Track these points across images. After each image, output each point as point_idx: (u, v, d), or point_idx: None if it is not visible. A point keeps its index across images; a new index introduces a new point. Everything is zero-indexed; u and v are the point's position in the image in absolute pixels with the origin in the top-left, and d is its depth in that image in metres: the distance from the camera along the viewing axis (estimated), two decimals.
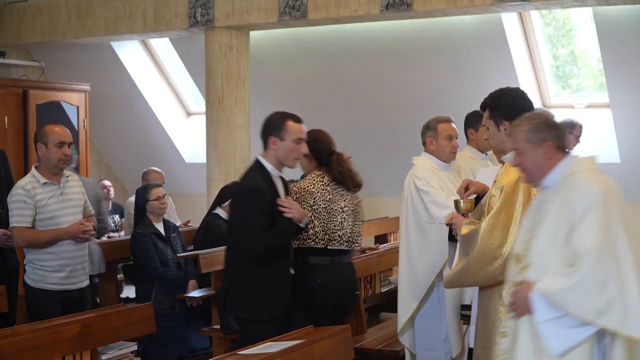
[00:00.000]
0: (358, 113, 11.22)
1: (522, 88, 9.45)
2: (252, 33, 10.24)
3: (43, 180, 6.30)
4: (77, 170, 9.23)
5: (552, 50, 10.55)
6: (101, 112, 12.25)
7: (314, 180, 6.27)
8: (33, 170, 6.37)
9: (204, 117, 10.37)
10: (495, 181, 4.45)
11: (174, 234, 8.18)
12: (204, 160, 10.43)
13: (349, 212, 6.33)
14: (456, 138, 6.64)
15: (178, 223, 9.27)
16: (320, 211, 6.16)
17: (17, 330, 4.91)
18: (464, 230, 4.48)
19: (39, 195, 6.26)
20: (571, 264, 3.82)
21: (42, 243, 6.25)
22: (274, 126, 5.76)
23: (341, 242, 6.24)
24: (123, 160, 13.62)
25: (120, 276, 8.99)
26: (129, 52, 12.36)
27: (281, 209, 5.58)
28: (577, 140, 8.98)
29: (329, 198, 6.23)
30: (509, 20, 9.67)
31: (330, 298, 6.22)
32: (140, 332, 5.68)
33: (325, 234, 6.17)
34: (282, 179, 5.83)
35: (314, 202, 6.16)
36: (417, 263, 6.42)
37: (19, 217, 6.23)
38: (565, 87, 10.71)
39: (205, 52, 10.06)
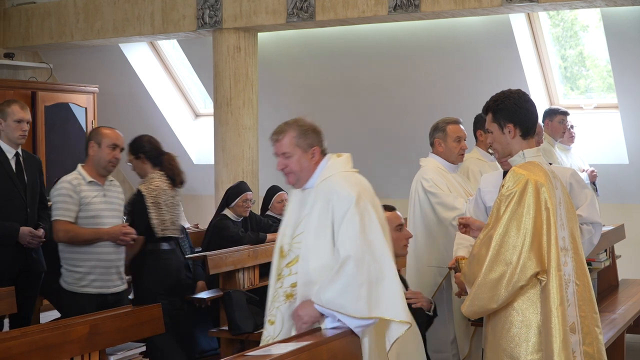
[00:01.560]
0: (366, 114, 11.21)
1: (530, 89, 9.55)
2: (260, 34, 10.25)
3: (89, 178, 6.30)
4: None
5: (560, 51, 10.54)
6: (109, 114, 12.26)
7: (161, 178, 6.92)
8: (79, 168, 6.35)
9: (212, 119, 10.39)
10: (502, 185, 4.42)
11: (182, 236, 8.18)
12: (212, 161, 10.44)
13: (178, 204, 7.13)
14: (464, 140, 6.63)
15: (186, 225, 9.26)
16: (164, 205, 6.87)
17: (25, 331, 4.91)
18: (475, 249, 4.43)
19: (84, 192, 6.25)
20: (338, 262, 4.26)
21: (82, 240, 6.22)
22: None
23: (174, 230, 7.03)
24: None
25: (128, 277, 8.99)
26: (137, 54, 12.38)
27: (409, 300, 5.48)
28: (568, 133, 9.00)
29: (169, 194, 6.98)
30: (517, 21, 9.66)
31: (170, 278, 6.98)
32: (148, 333, 5.67)
33: (164, 224, 6.87)
34: None
35: (164, 199, 6.90)
36: (425, 265, 6.42)
37: (62, 211, 6.20)
38: (574, 88, 10.69)
39: (213, 53, 10.07)
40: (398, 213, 5.73)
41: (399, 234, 5.60)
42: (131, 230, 6.39)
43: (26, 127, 6.88)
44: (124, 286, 6.55)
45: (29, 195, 6.90)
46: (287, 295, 4.40)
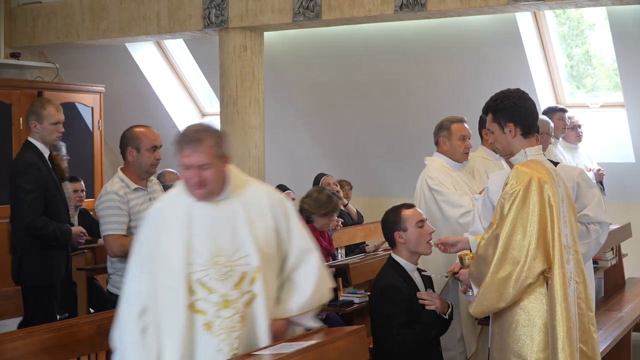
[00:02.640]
0: (371, 113, 11.21)
1: (536, 88, 9.54)
2: (266, 34, 10.25)
3: (133, 185, 6.11)
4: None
5: (567, 50, 10.53)
6: (116, 114, 12.27)
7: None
8: (120, 174, 6.15)
9: (218, 118, 10.39)
10: (506, 184, 4.42)
11: None
12: None
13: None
14: (469, 138, 6.63)
15: None
16: None
17: (32, 331, 4.92)
18: (481, 249, 4.43)
19: (132, 201, 6.07)
20: (295, 263, 4.28)
21: None
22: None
23: None
24: None
25: None
26: (143, 54, 12.39)
27: (421, 301, 5.46)
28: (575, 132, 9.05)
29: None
30: (524, 20, 9.65)
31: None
32: None
33: None
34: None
35: None
36: (431, 263, 6.41)
37: (114, 225, 5.98)
38: (580, 86, 10.68)
39: (220, 53, 10.07)
40: (418, 210, 5.74)
41: (420, 230, 5.60)
42: None
43: (62, 128, 6.69)
44: None
45: (64, 194, 6.83)
46: (242, 318, 4.10)
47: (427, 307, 5.43)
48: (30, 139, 6.61)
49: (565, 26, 10.47)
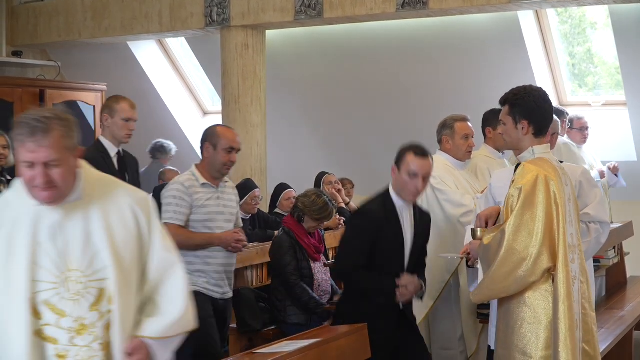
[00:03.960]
0: (373, 111, 11.21)
1: (538, 86, 9.52)
2: (268, 32, 10.26)
3: (202, 180, 5.99)
4: None
5: (569, 49, 10.53)
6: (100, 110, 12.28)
7: None
8: (193, 168, 6.07)
9: (220, 117, 10.40)
10: (513, 181, 4.42)
11: None
12: None
13: None
14: (472, 137, 6.62)
15: None
16: None
17: None
18: (487, 240, 4.43)
19: (197, 195, 5.94)
20: (156, 279, 3.46)
21: (193, 245, 5.87)
22: None
23: None
24: (139, 160, 13.62)
25: None
26: (145, 52, 12.39)
27: (398, 289, 5.46)
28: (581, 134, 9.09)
29: None
30: (526, 18, 9.65)
31: None
32: None
33: None
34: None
35: None
36: (432, 262, 6.39)
37: (173, 214, 5.89)
38: (582, 85, 10.68)
39: (221, 51, 10.08)
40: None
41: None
42: (243, 237, 6.07)
43: (133, 126, 6.52)
44: (231, 294, 6.24)
45: None
46: (103, 346, 3.33)
47: (398, 297, 5.44)
48: (100, 137, 6.49)
49: (567, 25, 10.47)
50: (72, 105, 11.38)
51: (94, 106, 11.60)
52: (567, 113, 9.14)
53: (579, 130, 9.19)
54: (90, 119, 11.61)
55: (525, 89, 4.63)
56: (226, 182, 6.18)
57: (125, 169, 6.54)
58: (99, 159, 6.20)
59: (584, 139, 9.21)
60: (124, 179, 6.24)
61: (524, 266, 4.23)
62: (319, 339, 4.72)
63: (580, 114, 9.38)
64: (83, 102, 11.56)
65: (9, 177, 7.50)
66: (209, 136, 6.09)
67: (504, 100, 4.67)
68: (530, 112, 4.54)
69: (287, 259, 6.87)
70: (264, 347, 4.85)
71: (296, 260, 6.91)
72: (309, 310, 6.84)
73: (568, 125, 9.11)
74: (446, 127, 6.59)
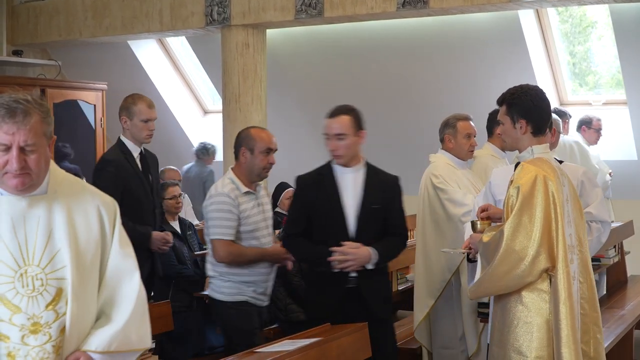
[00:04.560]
0: (374, 111, 11.20)
1: (539, 85, 9.49)
2: (268, 31, 10.26)
3: (244, 188, 5.78)
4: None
5: (569, 48, 10.53)
6: (118, 111, 12.28)
7: None
8: (231, 174, 5.85)
9: (220, 116, 10.40)
10: (511, 181, 4.42)
11: (190, 232, 8.19)
12: (220, 158, 10.46)
13: None
14: (474, 136, 6.62)
15: (195, 222, 9.26)
16: None
17: None
18: (486, 238, 4.43)
19: (242, 205, 5.74)
20: (108, 286, 3.28)
21: (246, 261, 5.73)
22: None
23: None
24: None
25: None
26: (146, 51, 12.40)
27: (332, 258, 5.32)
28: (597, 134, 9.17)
29: None
30: (526, 17, 9.65)
31: None
32: (158, 329, 5.65)
33: None
34: None
35: None
36: (434, 261, 6.41)
37: (223, 229, 5.67)
38: (582, 84, 10.68)
39: (222, 50, 10.08)
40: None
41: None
42: (290, 255, 5.86)
43: (153, 126, 6.32)
44: (268, 302, 6.11)
45: (155, 196, 6.41)
46: (55, 349, 3.14)
47: (336, 265, 5.27)
48: (121, 137, 6.30)
49: (567, 24, 10.48)
50: (73, 104, 11.39)
51: (95, 105, 11.61)
52: (569, 114, 9.19)
53: (596, 130, 9.37)
54: (90, 118, 11.62)
55: (522, 88, 4.63)
56: (259, 184, 6.01)
57: (149, 169, 6.39)
58: (121, 159, 6.15)
59: (597, 140, 9.36)
60: (147, 179, 6.29)
61: (522, 266, 4.23)
62: (319, 338, 4.72)
63: (598, 115, 9.50)
64: (84, 101, 11.57)
65: None
66: (244, 140, 5.89)
67: (501, 100, 4.67)
68: (528, 111, 4.53)
69: None
70: (265, 345, 4.85)
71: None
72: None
73: (582, 125, 9.26)
74: (449, 126, 6.58)
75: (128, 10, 10.77)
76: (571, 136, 9.29)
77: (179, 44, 12.61)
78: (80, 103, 11.54)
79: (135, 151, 6.28)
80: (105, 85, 11.82)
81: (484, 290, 4.45)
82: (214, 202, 5.73)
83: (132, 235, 5.95)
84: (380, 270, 5.46)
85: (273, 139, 5.97)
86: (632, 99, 9.69)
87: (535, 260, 4.22)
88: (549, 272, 4.26)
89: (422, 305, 6.50)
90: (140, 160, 6.32)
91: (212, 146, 11.65)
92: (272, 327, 7.01)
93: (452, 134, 6.54)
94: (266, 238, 5.88)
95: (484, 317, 5.85)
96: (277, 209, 8.97)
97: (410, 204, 5.98)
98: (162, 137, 12.96)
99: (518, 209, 4.28)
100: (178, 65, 12.84)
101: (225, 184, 5.77)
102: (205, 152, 11.61)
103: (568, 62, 10.51)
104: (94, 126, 11.52)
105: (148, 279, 6.25)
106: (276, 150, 5.94)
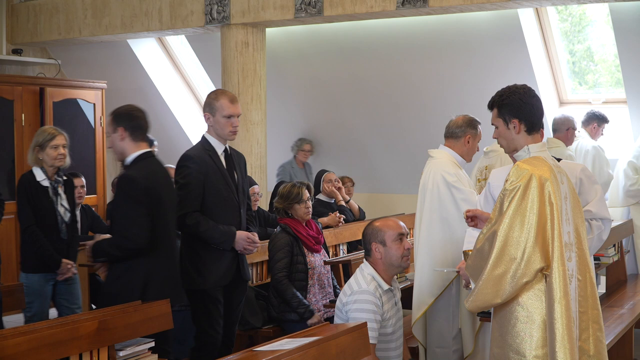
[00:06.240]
0: (373, 109, 11.21)
1: (538, 84, 9.54)
2: (268, 30, 10.26)
3: (386, 286, 5.52)
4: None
5: (569, 46, 10.53)
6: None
7: None
8: (370, 268, 5.56)
9: None
10: (506, 180, 4.41)
11: None
12: None
13: None
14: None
15: None
16: None
17: (34, 327, 4.92)
18: (479, 243, 4.42)
19: (385, 305, 5.50)
20: None
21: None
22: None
23: None
24: None
25: None
26: (145, 50, 12.40)
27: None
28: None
29: None
30: (526, 16, 9.65)
31: None
32: (158, 328, 5.66)
33: None
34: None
35: None
36: (439, 259, 6.35)
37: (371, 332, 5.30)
38: (582, 83, 10.68)
39: (222, 49, 10.08)
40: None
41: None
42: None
43: (237, 122, 6.16)
44: None
45: (240, 195, 6.23)
46: None
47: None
48: (205, 134, 6.20)
49: (567, 22, 10.47)
50: (72, 103, 11.38)
51: (94, 104, 11.60)
52: (608, 119, 9.28)
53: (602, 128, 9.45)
54: (90, 116, 11.61)
55: (510, 89, 4.63)
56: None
57: (234, 167, 6.23)
58: (205, 156, 6.05)
59: (597, 137, 9.42)
60: (232, 177, 6.15)
61: (516, 266, 4.22)
62: (319, 337, 4.72)
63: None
64: (83, 99, 11.55)
65: (64, 177, 7.38)
66: (372, 235, 5.58)
67: (491, 104, 4.67)
68: (518, 110, 4.53)
69: (280, 255, 7.04)
70: (264, 344, 4.85)
71: (290, 257, 7.01)
72: (292, 307, 6.88)
73: (594, 121, 9.30)
74: (472, 127, 6.49)
75: (128, 9, 10.77)
76: (590, 141, 9.28)
77: (179, 42, 12.61)
78: (80, 102, 11.53)
79: (220, 148, 6.16)
80: (105, 84, 11.81)
81: (482, 299, 4.36)
82: (357, 299, 5.39)
83: (216, 235, 5.85)
84: None
85: (399, 224, 5.61)
86: (632, 98, 9.69)
87: (530, 260, 4.21)
88: (544, 272, 4.25)
89: (421, 302, 6.46)
90: (226, 158, 6.19)
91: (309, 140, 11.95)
92: (272, 326, 7.04)
93: (473, 136, 6.49)
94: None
95: (484, 316, 5.83)
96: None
97: (411, 204, 5.96)
98: (162, 136, 12.99)
99: (512, 209, 4.28)
100: (177, 64, 12.83)
101: (365, 277, 5.49)
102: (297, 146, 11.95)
103: (568, 60, 10.50)
104: (93, 125, 11.50)
105: (231, 283, 6.20)
106: (408, 234, 5.61)
